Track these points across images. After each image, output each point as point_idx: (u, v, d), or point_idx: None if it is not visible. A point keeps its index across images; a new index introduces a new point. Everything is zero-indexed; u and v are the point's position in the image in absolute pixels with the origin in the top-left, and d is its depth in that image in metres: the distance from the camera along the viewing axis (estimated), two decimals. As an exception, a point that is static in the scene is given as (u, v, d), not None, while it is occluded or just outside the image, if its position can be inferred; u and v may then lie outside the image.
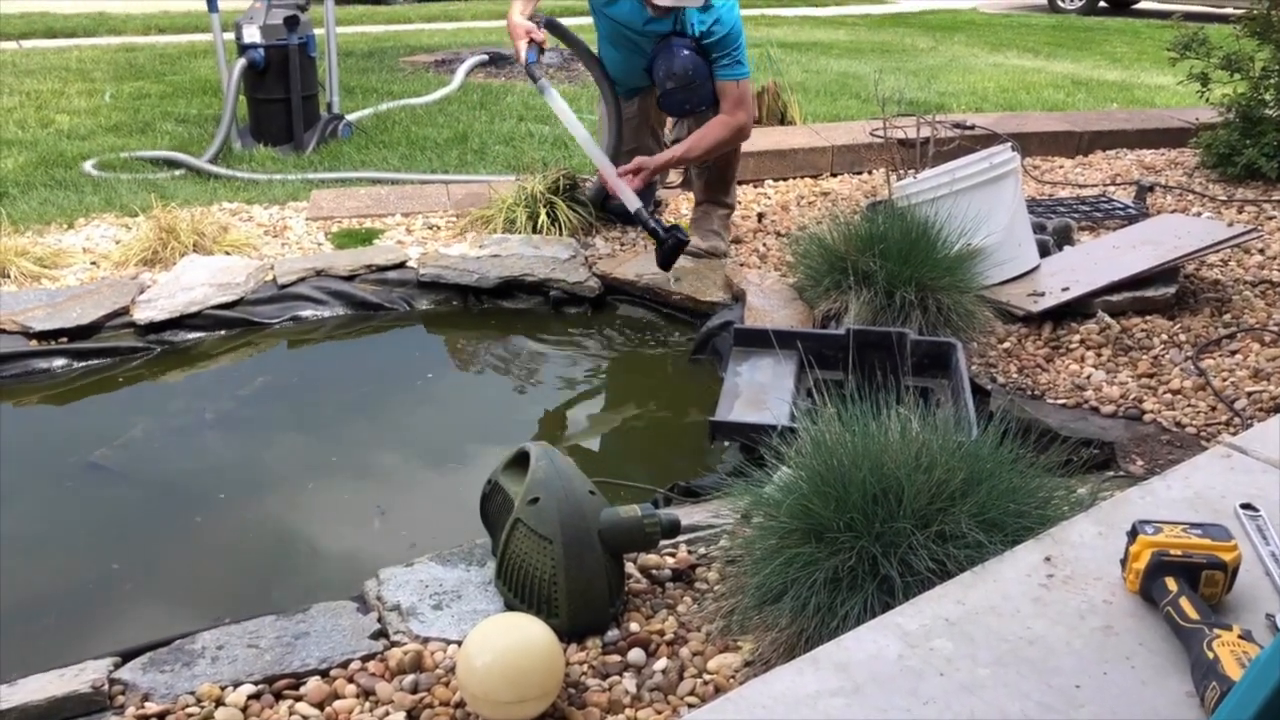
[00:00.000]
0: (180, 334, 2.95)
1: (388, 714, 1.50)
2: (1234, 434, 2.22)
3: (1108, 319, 2.83)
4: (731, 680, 1.55)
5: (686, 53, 3.16)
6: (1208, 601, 1.26)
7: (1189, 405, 2.46)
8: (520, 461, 1.77)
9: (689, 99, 3.27)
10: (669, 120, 3.85)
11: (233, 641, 1.63)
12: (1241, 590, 1.31)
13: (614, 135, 3.52)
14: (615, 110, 3.50)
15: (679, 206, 3.95)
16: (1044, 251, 3.19)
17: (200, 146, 4.47)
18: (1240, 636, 1.16)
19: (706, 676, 1.57)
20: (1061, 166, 4.75)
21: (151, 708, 1.49)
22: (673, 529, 1.76)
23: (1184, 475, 1.60)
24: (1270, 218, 3.80)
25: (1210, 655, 1.14)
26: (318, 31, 4.81)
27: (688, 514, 1.94)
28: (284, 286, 3.14)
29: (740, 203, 3.70)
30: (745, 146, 3.50)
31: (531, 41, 3.23)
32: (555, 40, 3.53)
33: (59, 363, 2.78)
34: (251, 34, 4.45)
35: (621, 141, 3.52)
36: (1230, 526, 1.35)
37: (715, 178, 3.47)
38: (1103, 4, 12.11)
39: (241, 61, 4.45)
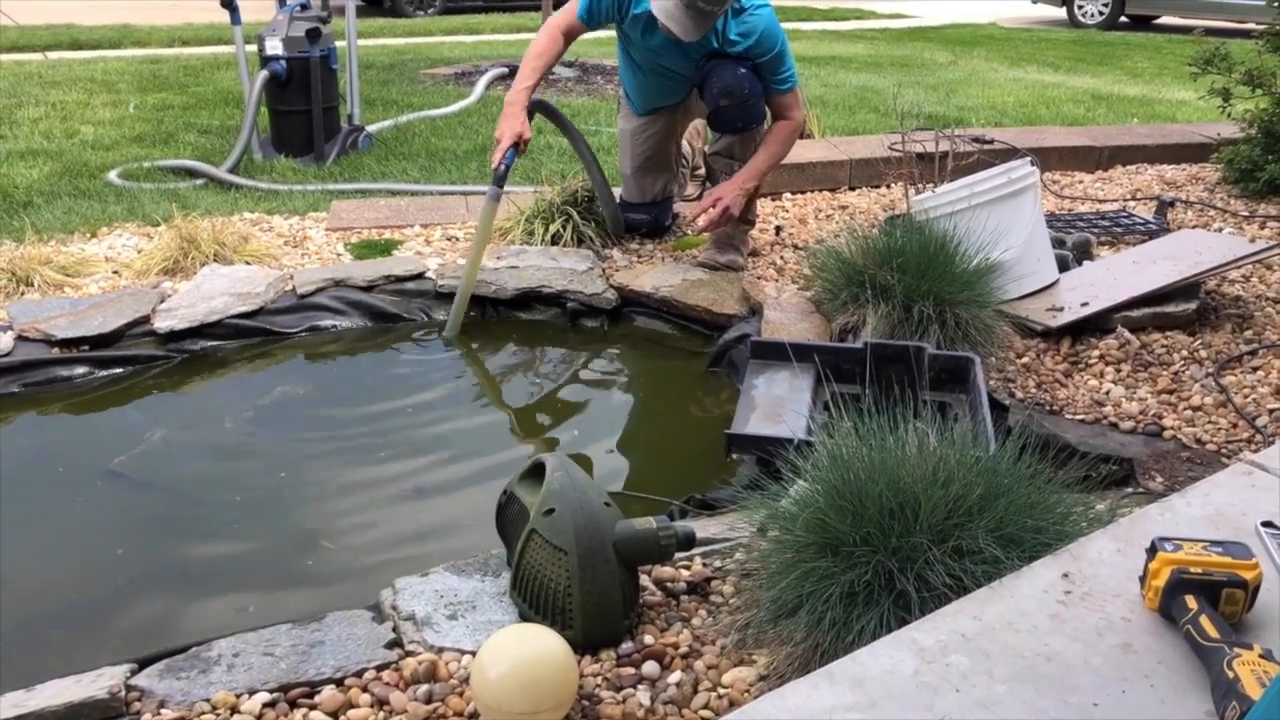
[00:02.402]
0: (200, 343, 2.97)
1: (401, 724, 1.50)
2: (1255, 451, 2.20)
3: (1127, 334, 2.82)
4: (746, 694, 1.55)
5: (744, 70, 3.13)
6: (1228, 620, 1.25)
7: (1209, 422, 2.44)
8: (536, 472, 1.77)
9: (742, 117, 3.26)
10: (689, 130, 3.86)
11: (248, 649, 1.63)
12: (1262, 609, 1.30)
13: (610, 214, 3.53)
14: (602, 186, 3.52)
15: (699, 212, 3.94)
16: (1063, 266, 3.18)
17: (222, 157, 4.51)
18: (1261, 656, 1.15)
19: (721, 690, 1.56)
20: (1081, 181, 4.73)
21: (167, 714, 1.50)
22: (688, 541, 1.76)
23: (1204, 492, 1.59)
24: (1293, 234, 3.78)
25: (1230, 674, 1.13)
26: (339, 44, 4.85)
27: (703, 526, 1.94)
28: (303, 296, 3.16)
29: (758, 216, 3.70)
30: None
31: (516, 144, 3.10)
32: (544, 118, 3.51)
33: (80, 370, 2.80)
34: (274, 46, 4.49)
35: (617, 215, 3.55)
36: (1251, 544, 1.34)
37: None
38: (1124, 19, 12.09)
39: (264, 73, 4.50)
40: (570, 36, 3.34)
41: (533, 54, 3.29)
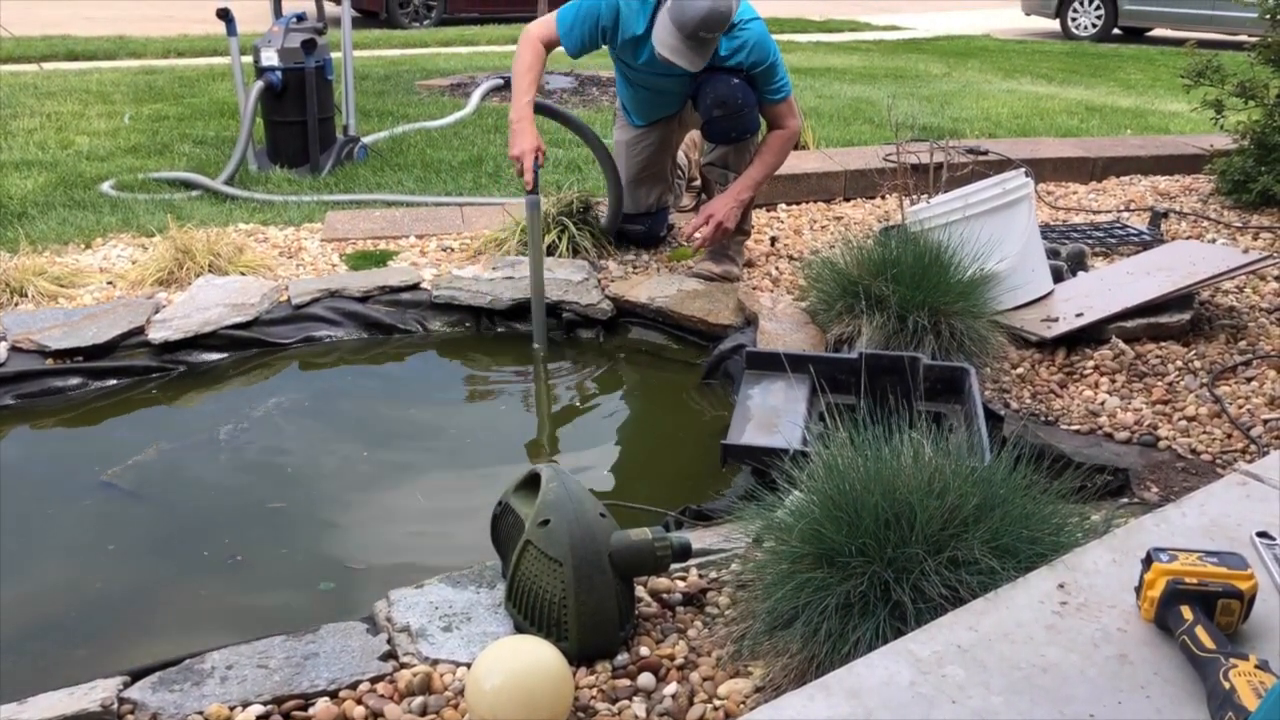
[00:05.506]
0: (195, 354, 2.96)
1: (396, 736, 1.49)
2: (1250, 461, 2.21)
3: (1122, 345, 2.82)
4: (742, 706, 1.54)
5: (737, 81, 3.15)
6: (1224, 630, 1.25)
7: (1204, 432, 2.45)
8: (531, 483, 1.77)
9: (734, 127, 3.27)
10: (685, 141, 3.86)
11: (242, 661, 1.62)
12: (1258, 619, 1.30)
13: (613, 209, 3.54)
14: (614, 180, 3.53)
15: (692, 230, 3.95)
16: (1058, 277, 3.18)
17: (218, 168, 4.52)
18: (1257, 666, 1.15)
19: (717, 702, 1.56)
20: (1075, 192, 4.75)
21: (160, 727, 1.49)
22: (684, 552, 1.76)
23: (1199, 503, 1.59)
24: (1286, 244, 3.79)
25: (1226, 685, 1.13)
26: (335, 55, 4.85)
27: (699, 537, 1.93)
28: (298, 307, 3.16)
29: (753, 226, 3.70)
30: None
31: (536, 156, 3.11)
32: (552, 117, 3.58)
33: (74, 381, 2.80)
34: (269, 57, 4.49)
35: (619, 212, 3.56)
36: (1246, 555, 1.34)
37: None
38: (1116, 31, 12.14)
39: (259, 84, 4.50)
40: (551, 47, 3.33)
41: (521, 69, 3.29)
